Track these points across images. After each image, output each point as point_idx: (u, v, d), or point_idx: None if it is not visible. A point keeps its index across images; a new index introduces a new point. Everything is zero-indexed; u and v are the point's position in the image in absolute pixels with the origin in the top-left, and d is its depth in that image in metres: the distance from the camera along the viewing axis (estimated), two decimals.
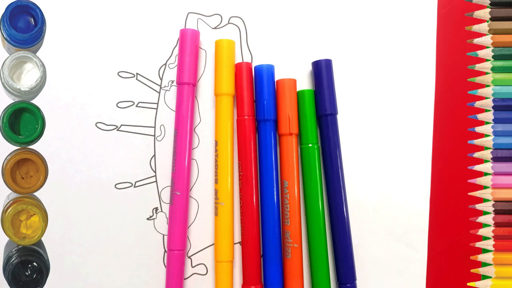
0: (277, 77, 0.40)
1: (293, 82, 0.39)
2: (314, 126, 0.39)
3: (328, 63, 0.39)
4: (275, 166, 0.39)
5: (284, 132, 0.39)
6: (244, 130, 0.39)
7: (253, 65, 0.40)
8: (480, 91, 0.41)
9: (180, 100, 0.39)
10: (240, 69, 0.39)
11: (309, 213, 0.38)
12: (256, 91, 0.39)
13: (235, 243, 0.40)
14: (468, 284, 0.41)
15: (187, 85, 0.39)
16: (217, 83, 0.39)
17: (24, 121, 0.40)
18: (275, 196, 0.38)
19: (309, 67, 0.40)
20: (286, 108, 0.39)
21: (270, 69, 0.39)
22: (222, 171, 0.38)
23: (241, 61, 0.41)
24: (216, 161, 0.39)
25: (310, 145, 0.39)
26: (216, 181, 0.39)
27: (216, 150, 0.39)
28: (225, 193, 0.38)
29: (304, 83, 0.41)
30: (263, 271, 0.39)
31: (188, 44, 0.39)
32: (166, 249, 0.40)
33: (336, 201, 0.38)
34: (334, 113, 0.39)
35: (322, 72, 0.39)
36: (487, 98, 0.41)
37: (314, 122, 0.39)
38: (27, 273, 0.40)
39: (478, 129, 0.41)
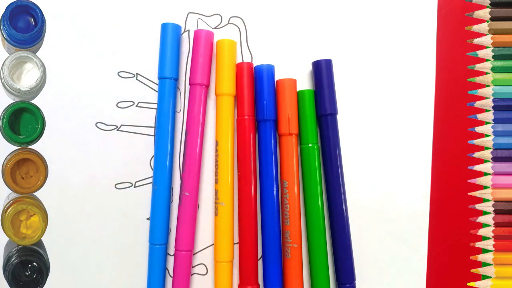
0: (277, 77, 0.40)
1: (293, 82, 0.39)
2: (314, 126, 0.39)
3: (328, 63, 0.39)
4: (275, 166, 0.38)
5: (284, 132, 0.39)
6: (243, 130, 0.39)
7: (253, 65, 0.40)
8: (480, 91, 0.41)
9: (192, 101, 0.39)
10: (241, 69, 0.39)
11: (308, 213, 0.38)
12: (256, 91, 0.39)
13: (234, 243, 0.40)
14: (468, 284, 0.41)
15: (199, 86, 0.39)
16: (218, 83, 0.39)
17: (24, 121, 0.40)
18: (275, 196, 0.38)
19: (309, 67, 0.40)
20: (286, 108, 0.39)
21: (270, 69, 0.39)
22: (222, 171, 0.38)
23: (241, 61, 0.41)
24: (216, 161, 0.39)
25: (310, 145, 0.39)
26: (216, 181, 0.39)
27: (216, 150, 0.39)
28: (225, 193, 0.38)
29: (304, 83, 0.41)
30: (263, 271, 0.39)
31: (202, 45, 0.39)
32: (174, 249, 0.40)
33: (335, 201, 0.38)
34: (334, 113, 0.39)
35: (322, 72, 0.39)
36: (487, 98, 0.41)
37: (314, 122, 0.39)
38: (27, 273, 0.39)
39: (478, 129, 0.41)
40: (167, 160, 0.38)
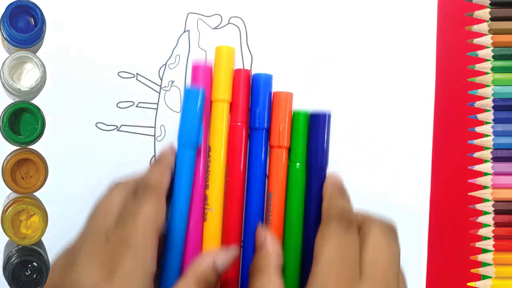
0: (278, 75, 0.40)
1: (290, 96, 0.39)
2: (304, 147, 0.38)
3: (324, 118, 0.37)
4: (262, 176, 0.38)
5: (274, 144, 0.38)
6: (235, 136, 0.38)
7: (253, 66, 0.40)
8: (480, 91, 0.41)
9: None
10: (238, 76, 0.39)
11: (286, 232, 0.37)
12: (252, 99, 0.39)
13: None
14: (468, 284, 0.41)
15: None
16: (214, 89, 0.39)
17: (24, 121, 0.40)
18: (259, 207, 0.38)
19: (309, 66, 0.40)
20: (279, 120, 0.38)
21: (267, 79, 0.39)
22: (214, 177, 0.38)
23: (241, 61, 0.41)
24: (208, 166, 0.38)
25: (298, 164, 0.38)
26: (207, 187, 0.38)
27: (209, 156, 0.38)
28: (215, 199, 0.38)
29: (305, 83, 0.40)
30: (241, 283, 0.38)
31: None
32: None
33: (309, 226, 0.37)
34: (324, 165, 0.37)
35: (318, 126, 0.37)
36: (487, 98, 0.41)
37: (304, 143, 0.38)
38: (27, 273, 0.39)
39: (478, 129, 0.41)
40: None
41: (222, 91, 0.38)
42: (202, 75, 0.38)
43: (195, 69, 0.38)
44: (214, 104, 0.39)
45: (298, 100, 0.40)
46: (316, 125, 0.37)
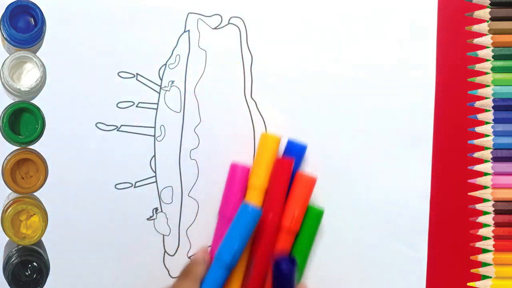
0: (279, 69, 0.40)
1: (313, 181, 0.38)
2: (310, 245, 0.38)
3: (288, 273, 0.35)
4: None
5: (285, 225, 0.38)
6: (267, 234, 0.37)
7: (253, 66, 0.40)
8: (480, 91, 0.41)
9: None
10: (278, 166, 0.38)
11: None
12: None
13: None
14: (468, 284, 0.41)
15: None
16: (252, 175, 0.38)
17: (24, 121, 0.40)
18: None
19: (309, 66, 0.40)
20: (294, 204, 0.38)
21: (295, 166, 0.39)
22: None
23: (241, 61, 0.41)
24: None
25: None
26: None
27: None
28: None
29: (303, 81, 0.40)
30: None
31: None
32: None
33: None
34: None
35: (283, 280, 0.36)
36: (487, 98, 0.41)
37: (312, 242, 0.38)
38: (27, 273, 0.40)
39: (478, 129, 0.41)
40: None
41: (260, 180, 0.38)
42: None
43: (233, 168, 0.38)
44: (249, 191, 0.38)
45: (297, 100, 0.41)
46: (279, 280, 0.35)
